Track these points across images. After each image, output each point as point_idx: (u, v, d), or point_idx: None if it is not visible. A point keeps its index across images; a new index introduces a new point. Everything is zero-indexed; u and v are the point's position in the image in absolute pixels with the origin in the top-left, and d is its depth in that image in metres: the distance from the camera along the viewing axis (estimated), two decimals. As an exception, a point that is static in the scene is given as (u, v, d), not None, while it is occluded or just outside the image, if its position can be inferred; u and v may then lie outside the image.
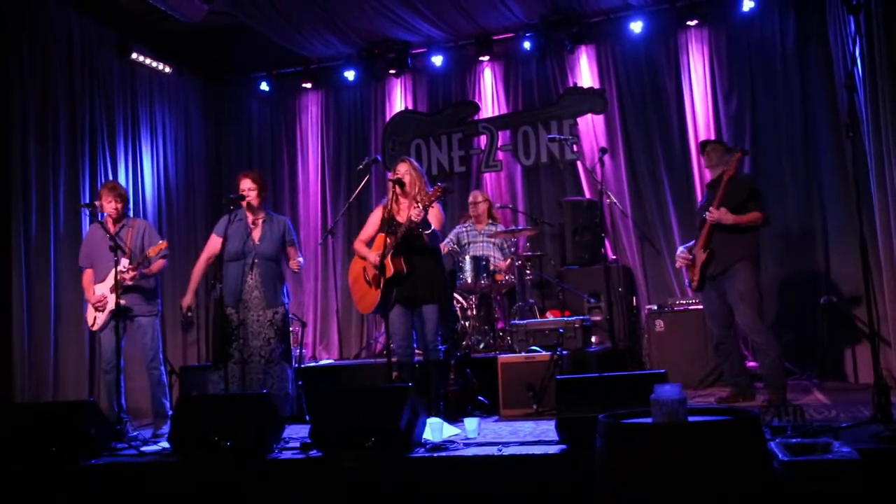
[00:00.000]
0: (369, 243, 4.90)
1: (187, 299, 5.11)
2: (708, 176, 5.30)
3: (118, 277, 4.84)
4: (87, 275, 5.17)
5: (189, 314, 4.88)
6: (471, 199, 6.67)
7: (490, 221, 6.64)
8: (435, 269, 4.81)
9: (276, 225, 5.09)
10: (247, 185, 4.98)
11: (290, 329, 5.20)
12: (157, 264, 5.17)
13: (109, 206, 5.13)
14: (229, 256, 4.87)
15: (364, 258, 4.86)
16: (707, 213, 4.76)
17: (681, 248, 5.12)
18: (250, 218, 5.04)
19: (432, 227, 4.62)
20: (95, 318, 5.07)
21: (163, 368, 5.24)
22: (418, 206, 4.50)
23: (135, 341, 5.21)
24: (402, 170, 4.83)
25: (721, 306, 4.92)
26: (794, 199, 6.47)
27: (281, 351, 4.92)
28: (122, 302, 4.89)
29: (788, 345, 5.89)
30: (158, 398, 5.15)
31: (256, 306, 4.90)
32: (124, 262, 4.94)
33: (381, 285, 4.63)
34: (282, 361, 4.92)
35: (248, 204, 4.97)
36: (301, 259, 5.13)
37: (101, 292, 5.04)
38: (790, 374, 5.82)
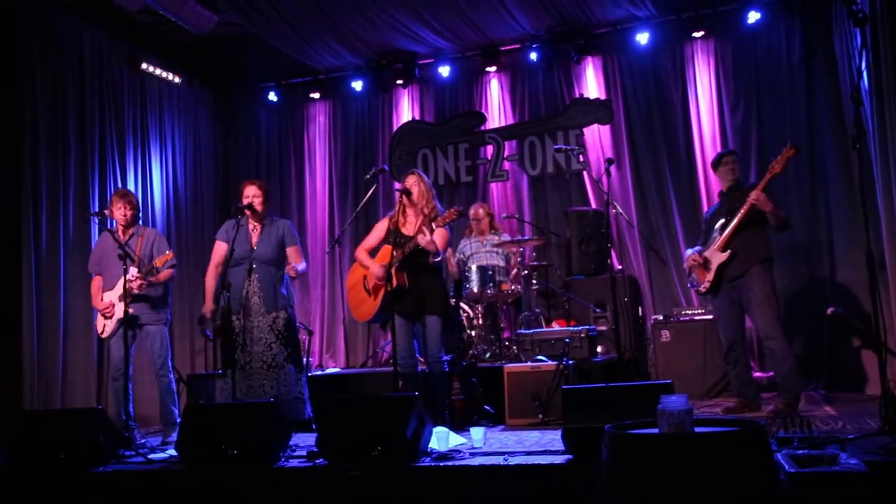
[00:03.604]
0: (372, 253, 4.93)
1: (207, 306, 5.01)
2: (715, 184, 5.28)
3: (126, 286, 4.89)
4: (96, 281, 5.21)
5: (217, 322, 4.87)
6: (472, 213, 6.62)
7: (493, 232, 6.65)
8: (436, 284, 4.82)
9: (275, 228, 5.06)
10: (252, 192, 5.01)
11: (298, 331, 5.19)
12: (165, 273, 5.17)
13: (119, 213, 5.18)
14: (234, 262, 4.89)
15: (366, 267, 4.88)
16: (750, 194, 4.66)
17: (690, 251, 5.12)
18: (252, 223, 5.05)
19: (441, 254, 4.66)
20: (105, 325, 5.11)
21: (171, 376, 5.25)
22: (430, 230, 4.53)
23: (143, 349, 5.23)
24: (411, 181, 4.86)
25: (734, 314, 4.91)
26: (801, 210, 6.46)
27: (286, 355, 4.90)
28: (131, 311, 4.93)
29: (795, 356, 5.87)
30: (167, 406, 5.17)
31: (256, 312, 4.90)
32: (133, 270, 4.97)
33: (383, 296, 4.67)
34: (287, 365, 4.90)
35: (253, 210, 4.99)
36: (302, 265, 5.05)
37: (110, 300, 5.08)
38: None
